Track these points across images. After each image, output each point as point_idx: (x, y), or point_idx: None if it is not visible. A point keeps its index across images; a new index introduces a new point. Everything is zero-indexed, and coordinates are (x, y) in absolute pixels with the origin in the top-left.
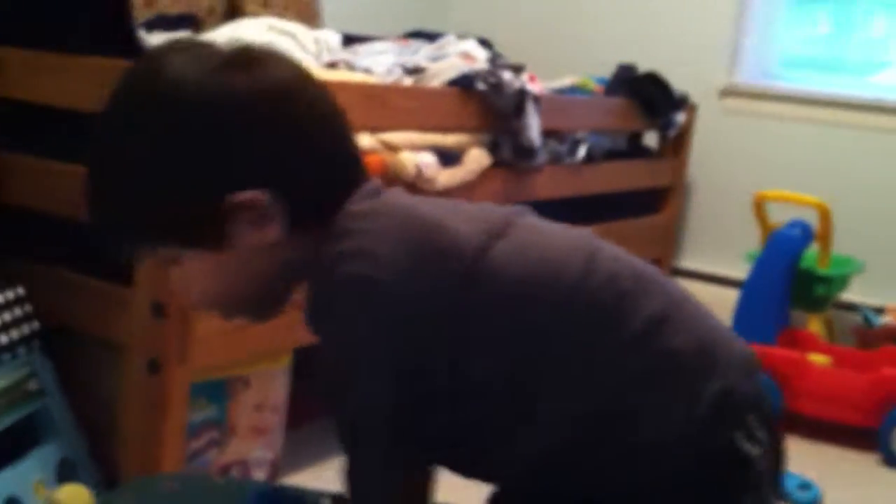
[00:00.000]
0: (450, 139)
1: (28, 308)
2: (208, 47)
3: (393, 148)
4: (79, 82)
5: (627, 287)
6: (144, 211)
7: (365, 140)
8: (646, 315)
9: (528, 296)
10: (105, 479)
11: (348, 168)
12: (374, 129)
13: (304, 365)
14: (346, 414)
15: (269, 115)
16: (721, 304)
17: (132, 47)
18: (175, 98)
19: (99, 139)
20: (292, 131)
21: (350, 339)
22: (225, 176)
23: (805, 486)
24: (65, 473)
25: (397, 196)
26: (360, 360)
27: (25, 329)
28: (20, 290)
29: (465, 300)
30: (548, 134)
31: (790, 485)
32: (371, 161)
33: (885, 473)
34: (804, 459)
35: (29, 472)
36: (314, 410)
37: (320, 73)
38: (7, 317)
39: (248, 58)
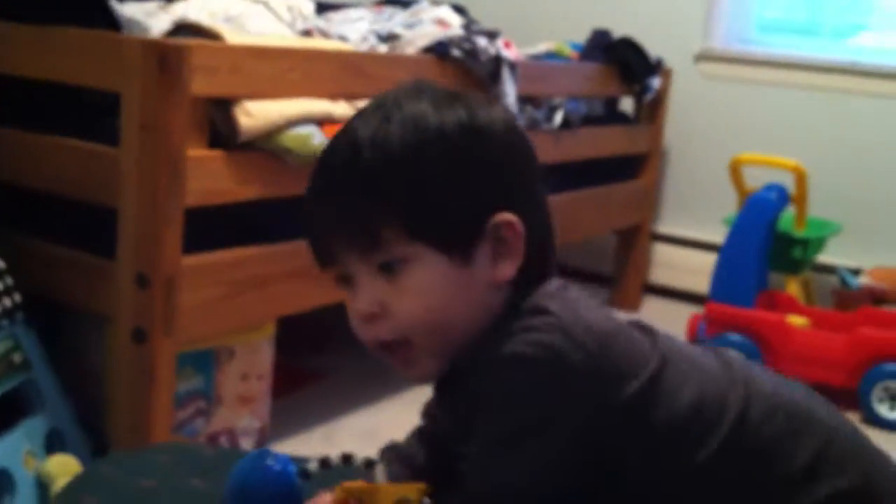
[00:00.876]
0: None
1: (9, 281)
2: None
3: None
4: (56, 54)
5: (783, 425)
6: (423, 198)
7: (342, 108)
8: (808, 455)
9: (690, 435)
10: (94, 449)
11: (554, 241)
12: (350, 98)
13: (287, 335)
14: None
15: (528, 148)
16: (700, 268)
17: (107, 17)
18: (473, 132)
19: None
20: (539, 172)
21: (532, 404)
22: (502, 196)
23: None
24: (53, 444)
25: (582, 299)
26: (539, 427)
27: (7, 302)
28: (1, 264)
29: (636, 414)
30: (524, 100)
31: None
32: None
33: (866, 432)
34: None
35: (17, 444)
36: (299, 379)
37: (294, 42)
38: None
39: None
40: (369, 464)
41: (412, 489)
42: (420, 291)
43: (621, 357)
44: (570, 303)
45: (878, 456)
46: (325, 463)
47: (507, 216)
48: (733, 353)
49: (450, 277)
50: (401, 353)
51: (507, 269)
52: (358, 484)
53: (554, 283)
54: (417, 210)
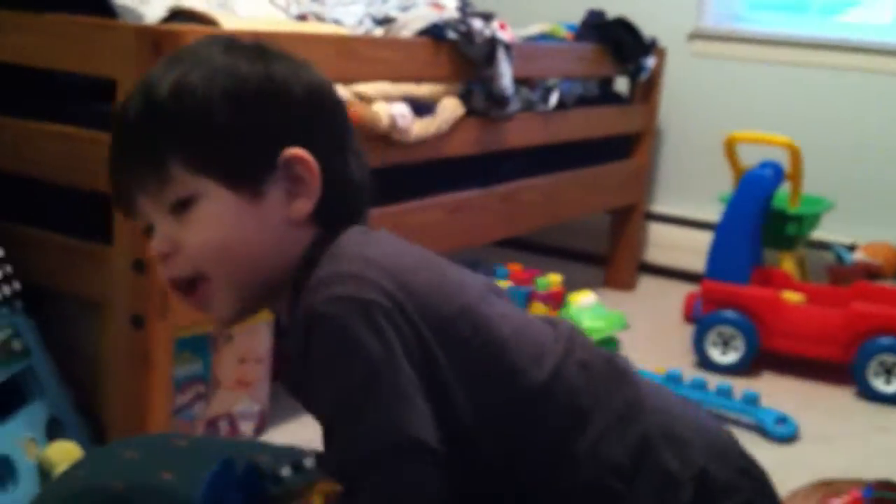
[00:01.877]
0: (423, 89)
1: (8, 269)
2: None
3: (366, 99)
4: (51, 41)
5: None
6: (206, 133)
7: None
8: (619, 403)
9: (508, 370)
10: (94, 435)
11: (365, 193)
12: (346, 81)
13: None
14: (363, 443)
15: (333, 104)
16: (694, 247)
17: (101, 4)
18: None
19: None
20: (348, 127)
21: (361, 355)
22: (293, 132)
23: (782, 420)
24: (54, 431)
25: (390, 235)
26: (369, 385)
27: (6, 290)
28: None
29: (448, 337)
30: (520, 82)
31: (768, 419)
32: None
33: (860, 405)
34: (781, 395)
35: (18, 431)
36: None
37: (289, 25)
38: None
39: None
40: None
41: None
42: (208, 226)
43: (426, 289)
44: (367, 246)
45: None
46: (297, 467)
47: (298, 151)
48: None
49: (239, 212)
50: (199, 291)
51: (303, 206)
52: (331, 485)
53: (356, 228)
54: (200, 144)
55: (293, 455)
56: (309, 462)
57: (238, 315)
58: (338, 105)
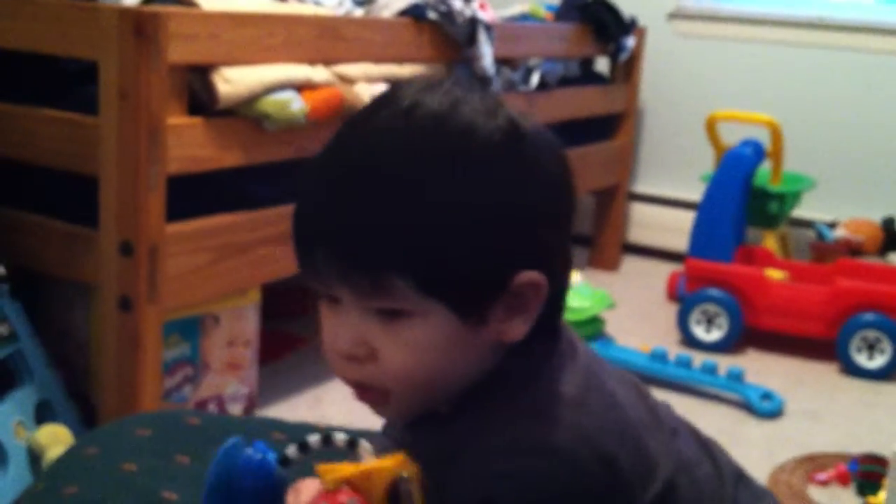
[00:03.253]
0: (404, 70)
1: None
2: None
3: (348, 80)
4: (33, 24)
5: None
6: (441, 254)
7: (320, 73)
8: None
9: None
10: (83, 418)
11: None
12: (328, 62)
13: (271, 301)
14: None
15: (566, 204)
16: (678, 226)
17: None
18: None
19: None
20: (566, 226)
21: None
22: (531, 250)
23: (767, 396)
24: (43, 415)
25: (591, 368)
26: None
27: None
28: None
29: None
30: (501, 62)
31: (753, 395)
32: (328, 94)
33: (844, 381)
34: (765, 371)
35: (7, 415)
36: (286, 344)
37: (271, 7)
38: None
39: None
40: (352, 442)
41: (404, 464)
42: (419, 348)
43: (630, 471)
44: (580, 404)
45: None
46: (303, 447)
47: (534, 276)
48: (723, 453)
49: (456, 337)
50: (375, 395)
51: (519, 329)
52: (343, 466)
53: (560, 356)
54: (418, 262)
55: (305, 432)
56: (314, 440)
57: (420, 410)
58: (572, 202)
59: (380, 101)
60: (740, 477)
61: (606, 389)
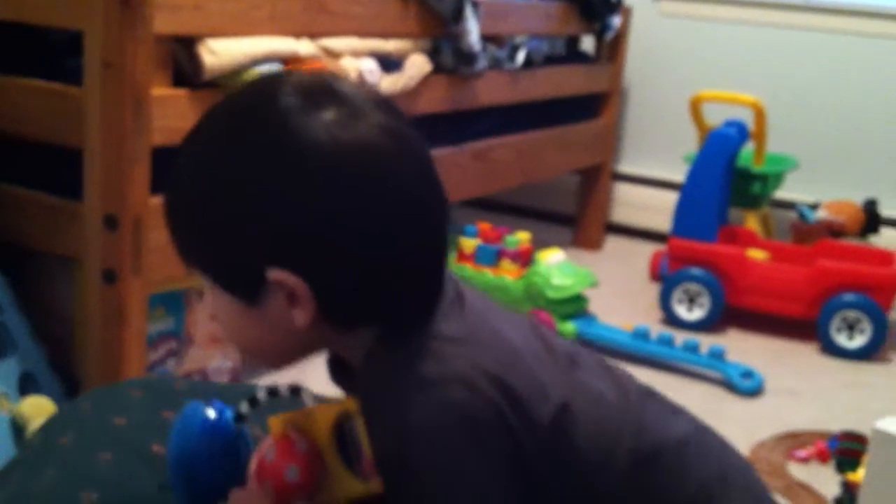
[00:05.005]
0: (390, 45)
1: None
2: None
3: (334, 54)
4: None
5: (673, 457)
6: (194, 236)
7: (306, 46)
8: (698, 482)
9: (595, 462)
10: (67, 391)
11: (423, 280)
12: (314, 36)
13: None
14: None
15: (339, 184)
16: (661, 206)
17: None
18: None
19: (191, 161)
20: (359, 217)
21: (447, 467)
22: (273, 247)
23: (748, 374)
24: (27, 387)
25: (481, 314)
26: (458, 491)
27: None
28: None
29: (544, 451)
30: (487, 39)
31: (734, 373)
32: (313, 68)
33: (824, 361)
34: (746, 350)
35: None
36: None
37: None
38: None
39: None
40: (294, 390)
41: (347, 402)
42: (220, 315)
43: (525, 392)
44: (468, 342)
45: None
46: (253, 401)
47: (282, 276)
48: (631, 380)
49: (241, 312)
50: None
51: (301, 317)
52: (289, 414)
53: (444, 310)
54: (190, 249)
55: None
56: (261, 394)
57: (281, 365)
58: (367, 190)
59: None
60: (649, 394)
61: (491, 326)
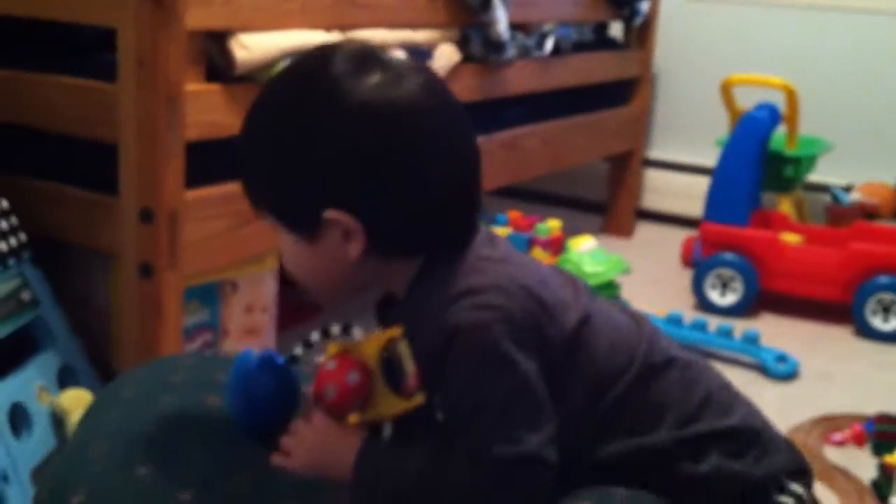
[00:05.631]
0: (420, 35)
1: (14, 220)
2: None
3: None
4: None
5: (678, 375)
6: (263, 184)
7: (336, 39)
8: (696, 400)
9: (610, 371)
10: (105, 384)
11: (460, 216)
12: (344, 28)
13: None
14: (493, 447)
15: (388, 138)
16: (692, 192)
17: None
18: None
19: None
20: (403, 163)
21: (508, 369)
22: (329, 191)
23: (782, 358)
24: (66, 380)
25: (510, 247)
26: (521, 395)
27: (13, 241)
28: (4, 203)
29: (566, 355)
30: (515, 27)
31: (768, 358)
32: None
33: (859, 344)
34: (781, 335)
35: (30, 380)
36: (302, 312)
37: None
38: None
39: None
40: (346, 328)
41: (392, 331)
42: (285, 251)
43: (553, 304)
44: (502, 262)
45: (750, 404)
46: (307, 343)
47: (337, 215)
48: (646, 319)
49: (299, 249)
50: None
51: (353, 250)
52: (342, 343)
53: (479, 243)
54: (259, 195)
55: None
56: (314, 336)
57: (337, 297)
58: (403, 136)
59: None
60: (658, 332)
61: (521, 256)
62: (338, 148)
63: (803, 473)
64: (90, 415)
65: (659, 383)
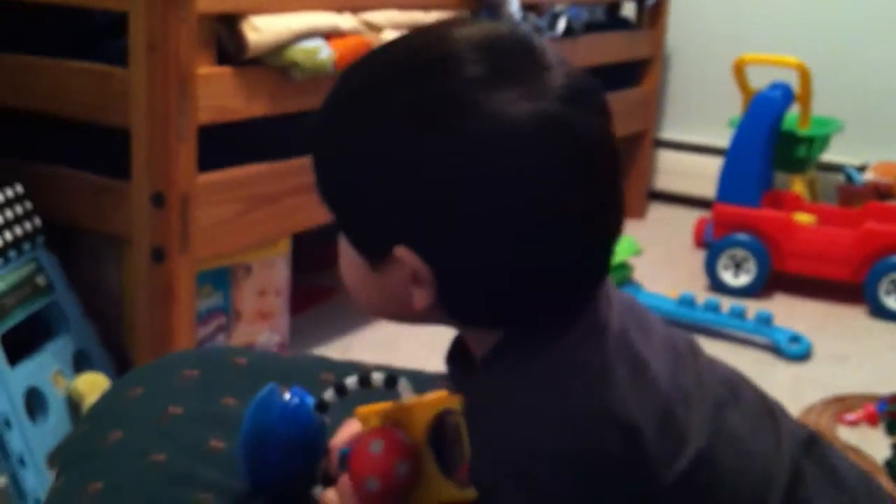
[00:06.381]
0: (431, 17)
1: (28, 205)
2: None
3: (375, 28)
4: None
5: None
6: (333, 186)
7: (347, 21)
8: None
9: None
10: (119, 368)
11: (566, 293)
12: (355, 10)
13: (301, 255)
14: None
15: (491, 180)
16: (704, 173)
17: None
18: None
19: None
20: (520, 216)
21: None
22: (411, 225)
23: (795, 339)
24: (80, 364)
25: (626, 338)
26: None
27: (28, 226)
28: (19, 188)
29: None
30: (527, 8)
31: (781, 338)
32: (355, 42)
33: (872, 324)
34: (794, 315)
35: (46, 364)
36: (315, 296)
37: None
38: (9, 214)
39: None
40: (390, 381)
41: (448, 399)
42: (342, 258)
43: (654, 444)
44: (602, 371)
45: None
46: (341, 390)
47: (404, 254)
48: (788, 419)
49: (360, 268)
50: None
51: (419, 299)
52: (382, 405)
53: (583, 325)
54: (325, 194)
55: (352, 371)
56: (351, 381)
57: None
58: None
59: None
60: (812, 441)
61: (639, 360)
62: (428, 179)
63: None
64: (106, 401)
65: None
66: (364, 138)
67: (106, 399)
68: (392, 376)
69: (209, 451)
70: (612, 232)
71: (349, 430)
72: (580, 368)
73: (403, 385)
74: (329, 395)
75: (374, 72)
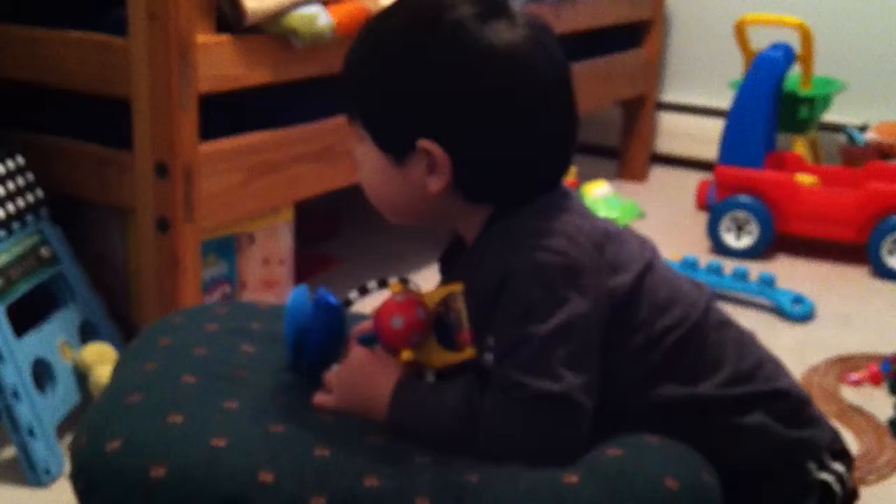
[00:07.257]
0: None
1: (30, 176)
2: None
3: None
4: None
5: (734, 335)
6: (368, 95)
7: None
8: (755, 360)
9: (661, 323)
10: (125, 338)
11: (548, 171)
12: None
13: (304, 223)
14: (538, 381)
15: (492, 82)
16: (706, 135)
17: None
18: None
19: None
20: (514, 111)
21: (563, 308)
22: (432, 121)
23: (798, 300)
24: (87, 335)
25: (579, 203)
26: (571, 336)
27: (30, 197)
28: (20, 160)
29: (625, 308)
30: None
31: (784, 300)
32: (353, 8)
33: (875, 284)
34: (797, 276)
35: (52, 335)
36: (319, 264)
37: None
38: (11, 186)
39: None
40: (404, 280)
41: (451, 286)
42: (361, 164)
43: (613, 256)
44: (565, 214)
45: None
46: (363, 290)
47: (428, 145)
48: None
49: (382, 168)
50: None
51: (434, 185)
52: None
53: (547, 200)
54: (363, 108)
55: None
56: (371, 284)
57: (404, 223)
58: (508, 84)
59: None
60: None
61: (593, 214)
62: (456, 85)
63: (845, 455)
64: (125, 362)
65: (716, 338)
66: (404, 57)
67: (155, 325)
68: (405, 278)
69: (241, 353)
70: (574, 135)
71: (366, 325)
72: (556, 207)
73: (414, 284)
74: (353, 294)
75: (404, 18)
